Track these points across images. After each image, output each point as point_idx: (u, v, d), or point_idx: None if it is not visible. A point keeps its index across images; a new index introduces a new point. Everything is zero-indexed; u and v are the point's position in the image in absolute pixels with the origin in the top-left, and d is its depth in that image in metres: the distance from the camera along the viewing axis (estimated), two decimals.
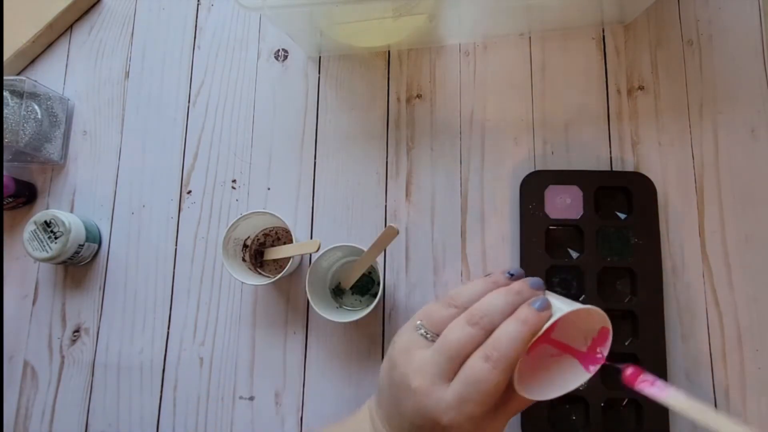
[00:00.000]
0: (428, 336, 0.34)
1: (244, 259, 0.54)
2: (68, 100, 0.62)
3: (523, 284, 0.34)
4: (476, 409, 0.30)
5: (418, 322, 0.35)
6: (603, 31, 0.58)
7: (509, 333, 0.31)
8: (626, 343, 0.50)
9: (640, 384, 0.32)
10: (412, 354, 0.34)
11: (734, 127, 0.55)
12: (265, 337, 0.55)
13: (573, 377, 0.33)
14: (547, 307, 0.32)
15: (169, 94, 0.61)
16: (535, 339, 0.31)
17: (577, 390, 0.50)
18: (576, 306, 0.32)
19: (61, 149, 0.61)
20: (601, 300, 0.51)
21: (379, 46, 0.60)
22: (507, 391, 0.32)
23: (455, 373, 0.32)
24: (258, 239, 0.56)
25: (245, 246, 0.55)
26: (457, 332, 0.32)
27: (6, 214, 0.60)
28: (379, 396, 0.37)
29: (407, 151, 0.58)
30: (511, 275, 0.36)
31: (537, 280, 0.35)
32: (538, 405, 0.49)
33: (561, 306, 0.32)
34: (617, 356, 0.50)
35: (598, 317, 0.33)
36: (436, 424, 0.31)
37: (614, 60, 0.57)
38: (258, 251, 0.55)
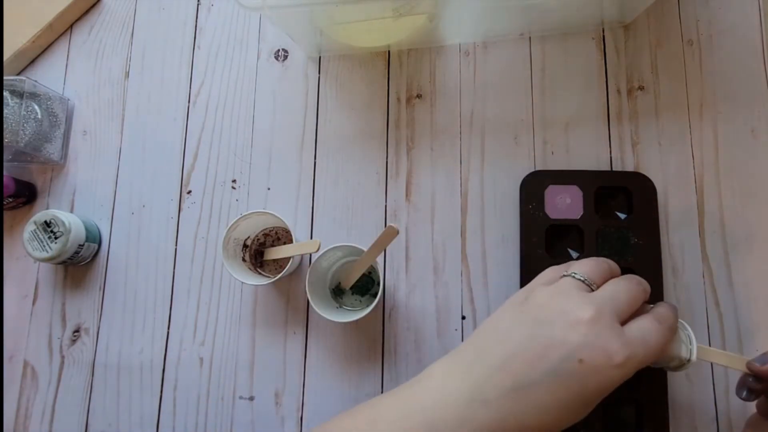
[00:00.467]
0: (592, 286, 0.36)
1: (244, 259, 0.54)
2: (68, 100, 0.62)
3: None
4: (647, 354, 0.33)
5: (574, 273, 0.37)
6: (603, 31, 0.58)
7: (666, 310, 0.37)
8: None
9: None
10: (573, 295, 0.35)
11: (734, 127, 0.55)
12: (265, 337, 0.55)
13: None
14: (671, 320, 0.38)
15: (169, 94, 0.61)
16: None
17: None
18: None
19: (61, 149, 0.61)
20: None
21: (379, 46, 0.60)
22: None
23: (625, 323, 0.34)
24: (258, 239, 0.56)
25: (245, 246, 0.55)
26: (632, 287, 0.36)
27: (6, 214, 0.60)
28: (465, 352, 0.35)
29: (407, 151, 0.58)
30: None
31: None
32: None
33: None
34: None
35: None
36: (611, 360, 0.31)
37: (614, 60, 0.57)
38: (258, 251, 0.55)
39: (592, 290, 0.36)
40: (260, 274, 0.55)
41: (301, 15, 0.52)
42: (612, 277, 0.38)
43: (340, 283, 0.55)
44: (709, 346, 0.51)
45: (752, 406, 0.45)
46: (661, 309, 0.37)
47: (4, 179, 0.56)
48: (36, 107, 0.58)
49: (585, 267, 0.38)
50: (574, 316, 0.33)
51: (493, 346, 0.34)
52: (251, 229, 0.54)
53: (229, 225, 0.51)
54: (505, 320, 0.36)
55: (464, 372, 0.34)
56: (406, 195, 0.57)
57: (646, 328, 0.34)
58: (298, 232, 0.57)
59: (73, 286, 0.58)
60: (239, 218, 0.51)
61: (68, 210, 0.60)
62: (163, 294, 0.57)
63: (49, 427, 0.55)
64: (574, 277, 0.37)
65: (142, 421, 0.55)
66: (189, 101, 0.61)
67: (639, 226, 0.52)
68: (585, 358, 0.31)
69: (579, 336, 0.32)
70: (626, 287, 0.36)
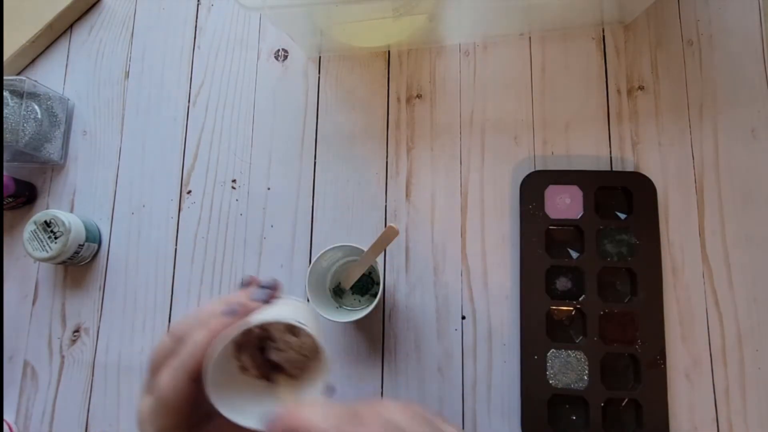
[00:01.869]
0: None
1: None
2: (68, 100, 0.62)
3: (242, 295, 0.32)
4: (161, 421, 0.29)
5: None
6: (603, 31, 0.58)
7: (189, 340, 0.29)
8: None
9: None
10: None
11: (734, 127, 0.55)
12: None
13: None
14: (233, 312, 0.29)
15: (169, 94, 0.61)
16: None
17: (577, 390, 0.51)
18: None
19: (61, 149, 0.61)
20: (601, 300, 0.51)
21: (379, 46, 0.60)
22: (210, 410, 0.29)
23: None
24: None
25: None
26: (157, 344, 0.31)
27: (6, 214, 0.60)
28: None
29: (407, 151, 0.58)
30: (261, 287, 0.33)
31: (261, 292, 0.32)
32: (538, 404, 0.50)
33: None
34: (619, 356, 0.50)
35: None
36: None
37: (614, 60, 0.57)
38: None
39: None
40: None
41: (301, 15, 0.52)
42: None
43: (340, 283, 0.55)
44: (709, 346, 0.51)
45: (752, 403, 0.45)
46: (177, 349, 0.29)
47: (4, 179, 0.56)
48: (36, 107, 0.58)
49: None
50: None
51: None
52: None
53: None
54: None
55: None
56: (406, 195, 0.57)
57: (157, 386, 0.29)
58: (298, 232, 0.57)
59: (73, 286, 0.58)
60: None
61: (68, 210, 0.60)
62: (163, 294, 0.57)
63: (49, 427, 0.55)
64: None
65: None
66: (189, 101, 0.61)
67: (639, 226, 0.52)
68: None
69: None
70: (154, 347, 0.31)
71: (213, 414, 0.28)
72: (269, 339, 0.31)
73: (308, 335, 0.29)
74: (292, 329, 0.31)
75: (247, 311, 0.30)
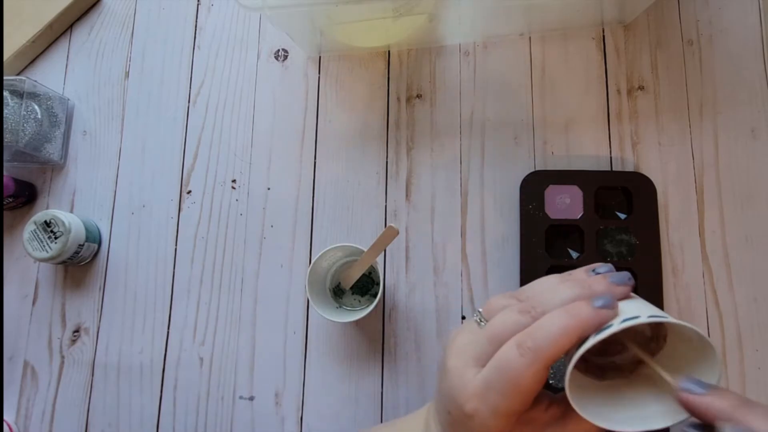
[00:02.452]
0: (481, 322, 0.30)
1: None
2: (68, 100, 0.62)
3: (601, 279, 0.29)
4: (500, 401, 0.26)
5: (479, 310, 0.32)
6: (603, 31, 0.58)
7: (551, 322, 0.26)
8: None
9: None
10: (458, 337, 0.31)
11: (734, 127, 0.55)
12: (265, 337, 0.55)
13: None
14: (610, 306, 0.26)
15: (169, 94, 0.61)
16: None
17: None
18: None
19: (61, 149, 0.61)
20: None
21: (379, 46, 0.60)
22: (567, 407, 0.27)
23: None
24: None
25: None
26: (504, 317, 0.28)
27: (6, 214, 0.60)
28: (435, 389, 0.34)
29: (407, 151, 0.58)
30: (595, 273, 0.30)
31: (622, 276, 0.29)
32: None
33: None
34: None
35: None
36: (462, 411, 0.28)
37: (614, 60, 0.57)
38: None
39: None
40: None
41: (301, 15, 0.52)
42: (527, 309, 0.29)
43: (340, 283, 0.55)
44: None
45: None
46: (541, 323, 0.27)
47: (4, 179, 0.56)
48: (36, 107, 0.58)
49: (494, 301, 0.31)
50: (445, 362, 0.30)
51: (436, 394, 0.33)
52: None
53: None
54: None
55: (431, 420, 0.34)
56: (406, 195, 0.57)
57: (505, 353, 0.27)
58: (298, 232, 0.57)
59: (73, 286, 0.58)
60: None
61: (68, 210, 0.60)
62: (163, 294, 0.57)
63: (49, 427, 0.55)
64: (473, 317, 0.32)
65: (142, 421, 0.55)
66: (189, 101, 0.61)
67: (639, 226, 0.52)
68: (449, 407, 0.29)
69: (446, 385, 0.30)
70: (501, 319, 0.29)
71: (569, 417, 0.27)
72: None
73: (688, 330, 0.26)
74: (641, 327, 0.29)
75: (616, 309, 0.27)
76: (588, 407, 0.26)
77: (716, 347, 0.25)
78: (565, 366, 0.26)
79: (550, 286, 0.29)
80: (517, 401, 0.26)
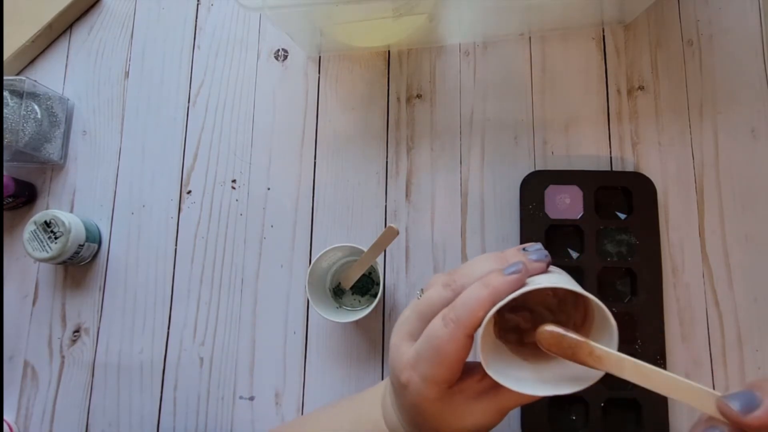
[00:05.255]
0: (419, 299, 0.33)
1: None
2: (68, 100, 0.62)
3: (517, 252, 0.31)
4: (428, 369, 0.28)
5: (421, 288, 0.34)
6: (603, 31, 0.58)
7: (468, 295, 0.28)
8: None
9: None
10: (401, 314, 0.33)
11: (734, 127, 0.55)
12: (265, 337, 0.55)
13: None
14: (519, 272, 0.28)
15: (169, 94, 0.61)
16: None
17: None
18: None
19: (60, 149, 0.61)
20: (603, 301, 0.51)
21: (379, 46, 0.60)
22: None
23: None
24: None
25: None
26: (430, 292, 0.31)
27: (6, 214, 0.60)
28: None
29: (407, 151, 0.58)
30: (524, 250, 0.32)
31: (539, 252, 0.30)
32: (538, 403, 0.50)
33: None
34: None
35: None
36: (399, 381, 0.30)
37: (614, 60, 0.57)
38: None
39: None
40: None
41: (301, 15, 0.52)
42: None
43: (340, 283, 0.55)
44: (709, 346, 0.51)
45: None
46: (461, 296, 0.28)
47: (4, 179, 0.56)
48: (36, 107, 0.58)
49: (433, 280, 0.33)
50: (391, 339, 0.33)
51: None
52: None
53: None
54: None
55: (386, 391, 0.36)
56: (406, 195, 0.57)
57: (433, 326, 0.29)
58: (298, 232, 0.57)
59: (73, 286, 0.58)
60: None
61: (68, 210, 0.60)
62: (163, 294, 0.57)
63: (50, 427, 0.55)
64: (417, 292, 0.34)
65: (142, 421, 0.55)
66: (189, 101, 0.61)
67: (639, 226, 0.52)
68: (393, 381, 0.32)
69: (390, 360, 0.32)
70: (427, 295, 0.31)
71: (498, 385, 0.28)
72: (524, 306, 0.31)
73: (596, 305, 0.27)
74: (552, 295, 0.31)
75: (528, 274, 0.28)
76: (505, 370, 0.28)
77: (602, 305, 0.27)
78: (480, 333, 0.28)
79: (476, 261, 0.31)
80: (443, 369, 0.28)
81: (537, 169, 0.55)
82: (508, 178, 0.56)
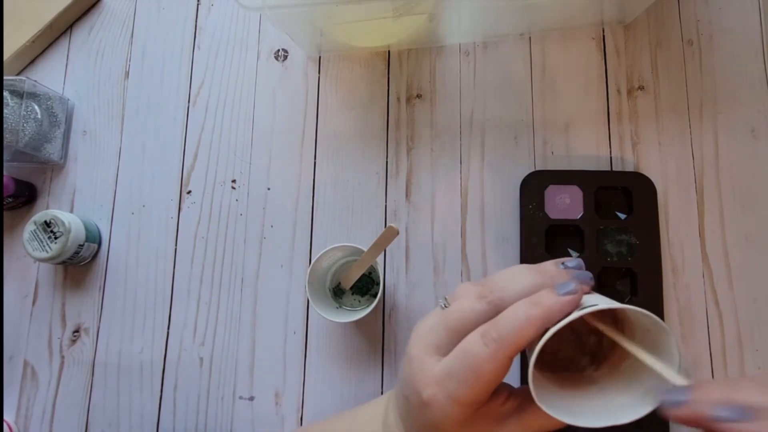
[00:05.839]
0: (444, 308, 0.30)
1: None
2: (68, 100, 0.62)
3: (561, 271, 0.28)
4: (460, 389, 0.26)
5: (445, 296, 0.32)
6: (603, 31, 0.58)
7: (515, 313, 0.26)
8: None
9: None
10: (422, 324, 0.31)
11: (734, 127, 0.55)
12: (265, 337, 0.55)
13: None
14: (573, 293, 0.25)
15: (169, 94, 0.61)
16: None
17: None
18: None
19: (61, 149, 0.61)
20: None
21: (379, 46, 0.60)
22: (524, 400, 0.27)
23: (453, 348, 0.28)
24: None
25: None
26: (461, 303, 0.28)
27: (6, 214, 0.60)
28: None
29: (407, 151, 0.58)
30: (564, 266, 0.29)
31: (585, 274, 0.28)
32: None
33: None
34: None
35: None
36: (419, 397, 0.28)
37: (614, 60, 0.57)
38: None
39: None
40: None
41: (301, 15, 0.52)
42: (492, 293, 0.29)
43: (340, 283, 0.55)
44: (709, 346, 0.51)
45: None
46: (506, 313, 0.26)
47: (4, 179, 0.56)
48: (36, 107, 0.58)
49: (460, 288, 0.31)
50: (408, 349, 0.30)
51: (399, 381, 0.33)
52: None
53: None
54: None
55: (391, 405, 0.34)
56: (406, 195, 0.57)
57: (469, 343, 0.26)
58: (298, 232, 0.57)
59: (73, 286, 0.58)
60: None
61: (68, 210, 0.60)
62: (163, 294, 0.57)
63: (49, 427, 0.55)
64: (439, 303, 0.31)
65: (142, 421, 0.55)
66: (189, 101, 0.61)
67: (639, 226, 0.52)
68: (408, 394, 0.29)
69: (407, 372, 0.30)
70: (458, 306, 0.29)
71: (527, 408, 0.26)
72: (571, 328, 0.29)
73: (648, 318, 0.25)
74: (600, 318, 0.28)
75: (580, 295, 0.26)
76: (550, 400, 0.25)
77: (671, 332, 0.24)
78: (529, 357, 0.25)
79: (513, 274, 0.29)
80: (476, 391, 0.26)
81: (537, 169, 0.55)
82: (508, 178, 0.56)
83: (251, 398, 0.54)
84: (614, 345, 0.28)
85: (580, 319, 0.27)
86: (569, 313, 0.25)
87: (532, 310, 0.25)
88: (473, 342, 0.26)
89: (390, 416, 0.32)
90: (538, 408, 0.25)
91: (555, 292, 0.26)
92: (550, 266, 0.29)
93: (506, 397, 0.28)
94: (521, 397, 0.28)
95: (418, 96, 0.59)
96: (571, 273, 0.28)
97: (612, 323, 0.28)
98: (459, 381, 0.26)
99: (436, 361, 0.28)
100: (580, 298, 0.26)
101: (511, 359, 0.25)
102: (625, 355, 0.27)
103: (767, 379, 0.21)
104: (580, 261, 0.29)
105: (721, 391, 0.21)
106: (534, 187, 0.53)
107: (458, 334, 0.27)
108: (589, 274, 0.28)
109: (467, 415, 0.27)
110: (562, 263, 0.29)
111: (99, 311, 0.57)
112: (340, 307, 0.54)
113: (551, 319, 0.25)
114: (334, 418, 0.40)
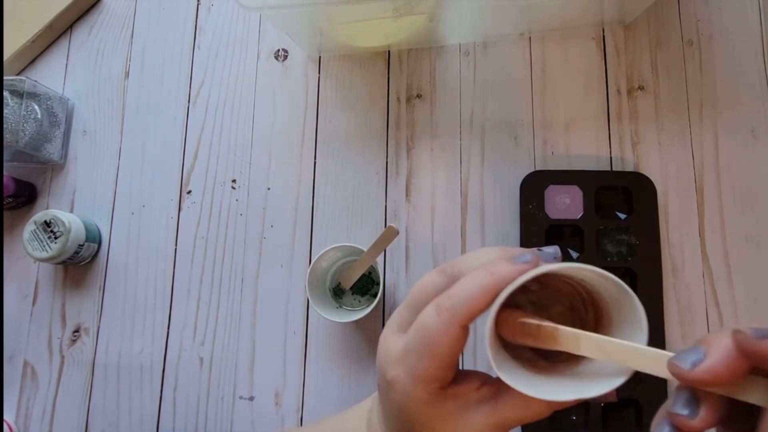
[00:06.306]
0: None
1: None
2: (68, 100, 0.62)
3: (528, 250, 0.26)
4: (417, 364, 0.25)
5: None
6: (603, 31, 0.58)
7: (467, 281, 0.24)
8: None
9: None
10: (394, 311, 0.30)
11: (734, 127, 0.55)
12: (265, 337, 0.55)
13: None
14: (529, 262, 0.24)
15: (169, 94, 0.61)
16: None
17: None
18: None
19: (61, 149, 0.61)
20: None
21: (379, 46, 0.60)
22: (500, 389, 0.25)
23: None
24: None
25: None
26: (424, 279, 0.27)
27: (6, 214, 0.60)
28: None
29: (407, 151, 0.58)
30: (539, 250, 0.28)
31: (549, 253, 0.27)
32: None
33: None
34: None
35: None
36: (385, 380, 0.27)
37: (614, 60, 0.57)
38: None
39: None
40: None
41: (301, 15, 0.52)
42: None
43: (340, 283, 0.55)
44: None
45: None
46: (459, 282, 0.25)
47: (4, 179, 0.56)
48: (36, 107, 0.58)
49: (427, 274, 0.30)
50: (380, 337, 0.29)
51: None
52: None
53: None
54: None
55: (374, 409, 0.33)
56: (406, 195, 0.57)
57: (423, 316, 0.25)
58: (298, 232, 0.57)
59: (73, 286, 0.58)
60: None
61: (68, 210, 0.60)
62: (163, 294, 0.57)
63: (49, 427, 0.55)
64: None
65: (142, 421, 0.55)
66: (189, 101, 0.61)
67: (639, 226, 0.52)
68: (379, 382, 0.28)
69: (377, 357, 0.29)
70: (419, 283, 0.27)
71: (501, 391, 0.25)
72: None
73: (618, 286, 0.23)
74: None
75: (536, 264, 0.24)
76: (518, 377, 0.24)
77: (632, 293, 0.23)
78: (487, 327, 0.24)
79: (477, 251, 0.28)
80: (434, 364, 0.24)
81: (537, 169, 0.55)
82: (508, 178, 0.56)
83: (251, 398, 0.54)
84: (597, 328, 0.27)
85: (565, 314, 0.27)
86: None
87: (485, 278, 0.24)
88: (427, 314, 0.25)
89: (374, 414, 0.32)
90: (514, 397, 0.24)
91: (510, 262, 0.25)
92: (519, 249, 0.27)
93: (481, 384, 0.26)
94: (497, 386, 0.26)
95: (418, 96, 0.59)
96: (541, 253, 0.27)
97: (592, 308, 0.28)
98: (416, 355, 0.25)
99: (398, 339, 0.27)
100: (535, 266, 0.24)
101: (464, 329, 0.24)
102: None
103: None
104: (557, 249, 0.28)
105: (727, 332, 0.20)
106: (534, 187, 0.53)
107: (417, 309, 0.26)
108: (556, 253, 0.27)
109: (432, 393, 0.25)
110: (539, 249, 0.28)
111: (99, 311, 0.57)
112: (340, 307, 0.54)
113: (503, 284, 0.24)
114: (322, 422, 0.40)
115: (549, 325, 0.24)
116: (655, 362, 0.22)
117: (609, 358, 0.23)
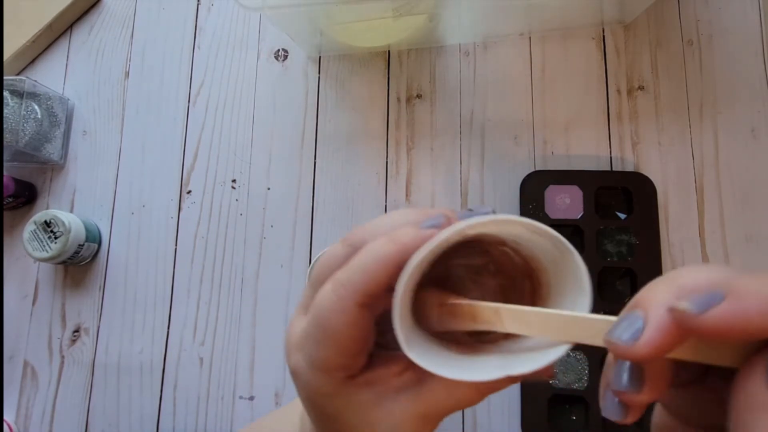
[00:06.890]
0: None
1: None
2: (68, 100, 0.62)
3: (447, 210, 0.22)
4: (314, 350, 0.21)
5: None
6: (603, 31, 0.58)
7: (365, 252, 0.20)
8: None
9: None
10: None
11: (734, 127, 0.55)
12: (265, 337, 0.55)
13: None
14: (438, 226, 0.20)
15: (169, 94, 0.61)
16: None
17: (577, 390, 0.51)
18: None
19: (61, 149, 0.61)
20: (601, 300, 0.51)
21: (379, 46, 0.60)
22: (426, 374, 0.20)
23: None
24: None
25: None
26: (327, 250, 0.23)
27: (6, 214, 0.60)
28: None
29: (407, 151, 0.58)
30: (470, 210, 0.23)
31: (487, 209, 0.22)
32: (538, 403, 0.49)
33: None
34: None
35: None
36: (289, 368, 0.23)
37: (614, 60, 0.57)
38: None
39: None
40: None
41: (301, 15, 0.52)
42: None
43: None
44: None
45: None
46: (357, 254, 0.21)
47: (4, 179, 0.56)
48: (36, 107, 0.58)
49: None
50: None
51: None
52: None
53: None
54: None
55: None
56: (406, 195, 0.57)
57: (320, 295, 0.21)
58: (298, 232, 0.57)
59: (73, 286, 0.58)
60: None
61: (68, 210, 0.60)
62: (163, 294, 0.57)
63: (49, 427, 0.55)
64: None
65: (142, 421, 0.55)
66: (189, 101, 0.61)
67: (639, 226, 0.52)
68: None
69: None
70: (323, 256, 0.23)
71: (424, 378, 0.21)
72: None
73: (548, 235, 0.20)
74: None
75: (446, 227, 0.20)
76: (435, 358, 0.20)
77: (571, 247, 0.20)
78: (394, 303, 0.20)
79: (388, 214, 0.23)
80: (333, 351, 0.21)
81: (537, 169, 0.55)
82: (508, 178, 0.56)
83: (251, 398, 0.54)
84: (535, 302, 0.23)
85: (507, 289, 0.23)
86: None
87: (383, 246, 0.20)
88: (324, 292, 0.21)
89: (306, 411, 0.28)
90: (438, 382, 0.21)
91: (417, 227, 0.21)
92: (438, 209, 0.22)
93: (403, 368, 0.22)
94: (423, 371, 0.22)
95: (418, 96, 0.59)
96: (461, 213, 0.22)
97: (529, 279, 0.23)
98: (314, 340, 0.21)
99: (299, 321, 0.23)
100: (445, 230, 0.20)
101: (363, 307, 0.20)
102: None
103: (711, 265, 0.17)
104: (491, 207, 0.23)
105: (666, 285, 0.17)
106: (534, 187, 0.53)
107: (317, 287, 0.22)
108: (490, 209, 0.22)
109: (337, 384, 0.22)
110: (470, 209, 0.23)
111: (99, 311, 0.57)
112: None
113: (406, 257, 0.20)
114: (262, 419, 0.37)
115: (465, 302, 0.21)
116: (589, 332, 0.18)
117: (537, 332, 0.19)
